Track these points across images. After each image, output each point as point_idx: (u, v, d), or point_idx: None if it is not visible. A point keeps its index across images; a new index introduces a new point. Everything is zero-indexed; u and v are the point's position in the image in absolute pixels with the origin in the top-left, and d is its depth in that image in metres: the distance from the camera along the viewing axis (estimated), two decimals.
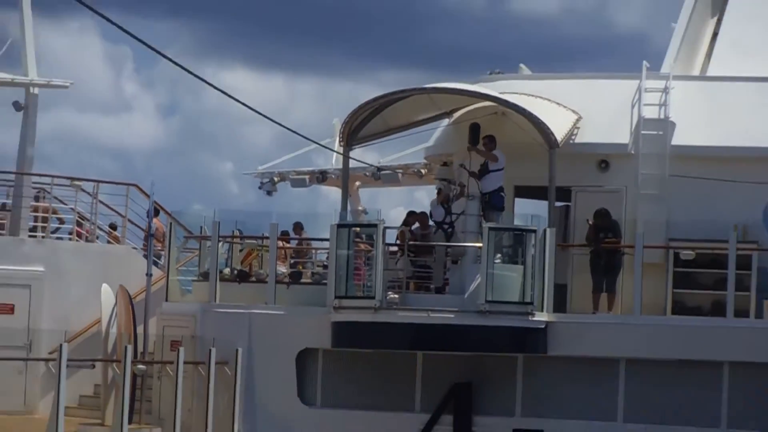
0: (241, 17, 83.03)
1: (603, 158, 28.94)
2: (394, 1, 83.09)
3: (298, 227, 30.64)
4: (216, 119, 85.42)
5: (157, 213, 31.30)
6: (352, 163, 30.98)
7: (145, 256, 30.28)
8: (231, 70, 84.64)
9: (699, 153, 28.29)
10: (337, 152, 31.39)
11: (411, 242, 27.49)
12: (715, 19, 32.40)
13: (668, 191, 28.28)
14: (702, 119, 28.73)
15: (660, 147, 28.49)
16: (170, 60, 19.16)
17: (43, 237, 30.86)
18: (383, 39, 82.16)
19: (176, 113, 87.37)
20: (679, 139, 28.55)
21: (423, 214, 28.52)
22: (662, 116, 28.68)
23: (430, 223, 28.23)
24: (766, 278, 26.86)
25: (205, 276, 28.79)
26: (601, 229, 27.78)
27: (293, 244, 30.38)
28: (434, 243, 27.66)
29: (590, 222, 27.73)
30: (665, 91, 28.86)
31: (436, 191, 28.71)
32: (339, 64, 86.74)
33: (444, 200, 28.07)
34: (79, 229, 31.66)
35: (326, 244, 27.88)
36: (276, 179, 35.51)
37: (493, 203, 27.53)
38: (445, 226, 27.77)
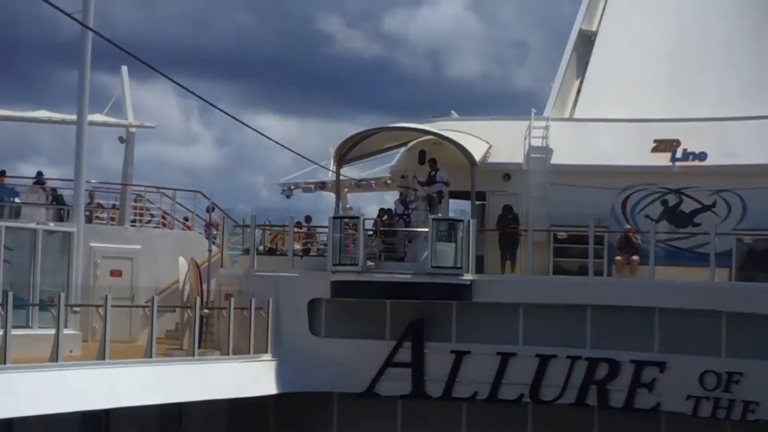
0: (270, 80, 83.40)
1: (506, 172, 28.67)
2: (370, 70, 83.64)
3: (308, 219, 30.39)
4: (253, 148, 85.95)
5: (214, 210, 31.01)
6: (342, 177, 30.85)
7: (207, 239, 30.14)
8: (263, 115, 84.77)
9: (569, 169, 28.03)
10: (330, 170, 31.20)
11: (382, 228, 27.39)
12: (579, 80, 32.09)
13: (549, 194, 28.05)
14: (571, 146, 28.45)
15: (543, 165, 28.26)
16: (221, 109, 19.19)
17: (140, 226, 30.70)
18: (364, 94, 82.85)
19: (227, 144, 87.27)
20: (556, 159, 28.32)
21: (389, 210, 28.30)
22: (544, 145, 28.43)
23: (395, 215, 28.04)
24: (611, 250, 26.64)
25: (246, 251, 28.61)
26: (506, 217, 27.76)
27: (305, 230, 30.09)
28: (397, 228, 27.53)
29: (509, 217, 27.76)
30: (546, 128, 28.60)
31: (399, 194, 28.54)
32: (334, 110, 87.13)
33: (403, 200, 27.99)
34: (163, 221, 31.52)
35: (326, 230, 27.52)
36: (292, 187, 35.12)
37: (436, 202, 27.43)
38: (405, 217, 27.68)
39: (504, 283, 26.74)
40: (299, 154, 29.83)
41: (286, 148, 28.78)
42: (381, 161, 32.27)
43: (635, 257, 26.56)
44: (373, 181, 33.73)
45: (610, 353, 25.79)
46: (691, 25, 31.75)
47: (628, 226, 27.21)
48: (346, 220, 27.35)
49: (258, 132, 24.69)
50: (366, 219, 27.22)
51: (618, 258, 26.57)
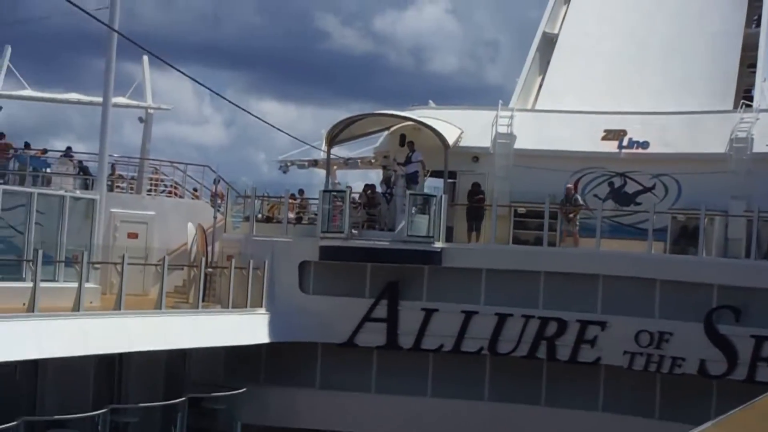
0: (273, 71, 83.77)
1: (475, 155, 28.68)
2: (361, 63, 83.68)
3: (300, 192, 30.40)
4: (255, 130, 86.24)
5: (219, 182, 31.10)
6: (332, 156, 30.67)
7: (213, 207, 30.14)
8: (265, 100, 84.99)
9: (530, 153, 28.07)
10: (322, 150, 31.18)
11: (365, 202, 27.51)
12: (541, 76, 32.28)
13: (512, 175, 28.10)
14: (532, 134, 28.49)
15: (508, 149, 28.32)
16: (226, 98, 19.34)
17: (154, 195, 30.67)
18: (354, 85, 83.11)
19: (233, 126, 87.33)
20: (518, 144, 28.35)
21: (373, 185, 28.30)
22: (509, 131, 28.49)
23: (378, 190, 27.94)
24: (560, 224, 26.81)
25: (247, 219, 28.63)
26: (474, 194, 27.82)
27: (298, 201, 30.06)
28: (378, 202, 27.58)
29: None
30: (511, 117, 28.70)
31: (383, 176, 28.39)
32: (328, 98, 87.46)
33: (386, 181, 27.87)
34: (175, 191, 31.44)
35: (317, 201, 27.62)
36: (289, 164, 34.86)
37: (412, 179, 27.39)
38: (387, 196, 27.58)
39: (469, 251, 26.83)
40: (293, 136, 30.13)
41: (282, 131, 28.94)
42: (367, 143, 32.27)
43: (575, 229, 26.67)
44: (359, 160, 33.53)
45: (558, 313, 25.94)
46: (638, 31, 31.94)
47: (569, 185, 27.11)
48: (335, 193, 27.42)
49: (258, 118, 24.85)
50: (352, 193, 27.33)
51: (564, 231, 26.64)
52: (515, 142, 28.36)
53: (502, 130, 28.55)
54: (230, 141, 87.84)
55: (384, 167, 28.84)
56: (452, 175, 28.56)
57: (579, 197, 26.94)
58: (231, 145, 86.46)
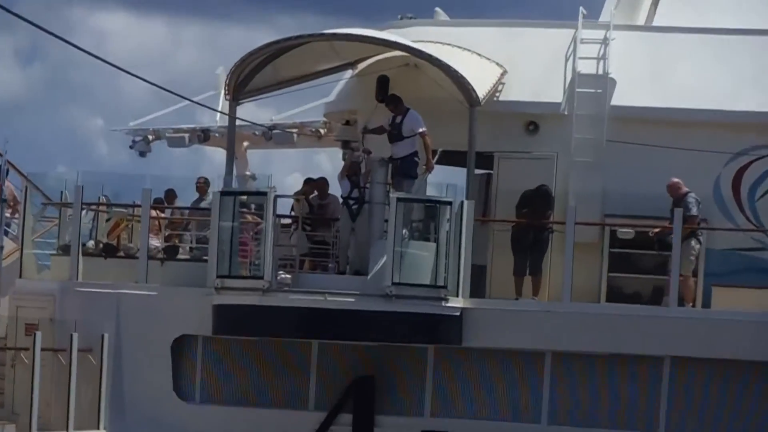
0: None
1: (531, 119, 29.45)
2: None
3: (171, 195, 30.80)
4: (85, 68, 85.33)
5: (8, 174, 31.32)
6: (239, 121, 30.90)
7: None
8: (107, 11, 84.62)
9: (642, 115, 28.82)
10: (221, 112, 31.49)
11: (307, 215, 28.12)
12: None
13: (606, 159, 28.71)
14: (646, 76, 29.31)
15: (597, 108, 28.99)
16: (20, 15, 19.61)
17: None
18: None
19: (39, 60, 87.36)
20: (619, 99, 29.05)
21: (322, 180, 28.92)
22: (600, 72, 29.23)
23: (333, 192, 28.63)
24: (715, 261, 27.61)
25: (65, 250, 29.13)
26: (534, 201, 28.36)
27: (169, 214, 30.56)
28: (332, 218, 28.33)
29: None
30: (604, 42, 29.41)
31: (344, 161, 28.90)
32: (229, 5, 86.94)
33: (351, 172, 28.17)
34: None
35: (208, 214, 28.10)
36: (151, 137, 35.26)
37: (404, 170, 27.79)
38: (351, 202, 27.81)
39: (519, 315, 27.32)
40: (163, 88, 29.90)
41: (137, 77, 28.70)
42: (309, 95, 33.23)
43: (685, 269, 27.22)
44: (294, 131, 34.07)
45: None
46: None
47: (674, 180, 27.72)
48: (245, 197, 27.92)
49: (85, 51, 24.67)
50: (279, 196, 27.65)
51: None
52: (613, 92, 29.08)
53: (587, 68, 29.28)
54: (33, 93, 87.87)
55: (345, 144, 29.30)
56: (485, 160, 29.26)
57: (693, 203, 27.61)
58: (34, 101, 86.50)
